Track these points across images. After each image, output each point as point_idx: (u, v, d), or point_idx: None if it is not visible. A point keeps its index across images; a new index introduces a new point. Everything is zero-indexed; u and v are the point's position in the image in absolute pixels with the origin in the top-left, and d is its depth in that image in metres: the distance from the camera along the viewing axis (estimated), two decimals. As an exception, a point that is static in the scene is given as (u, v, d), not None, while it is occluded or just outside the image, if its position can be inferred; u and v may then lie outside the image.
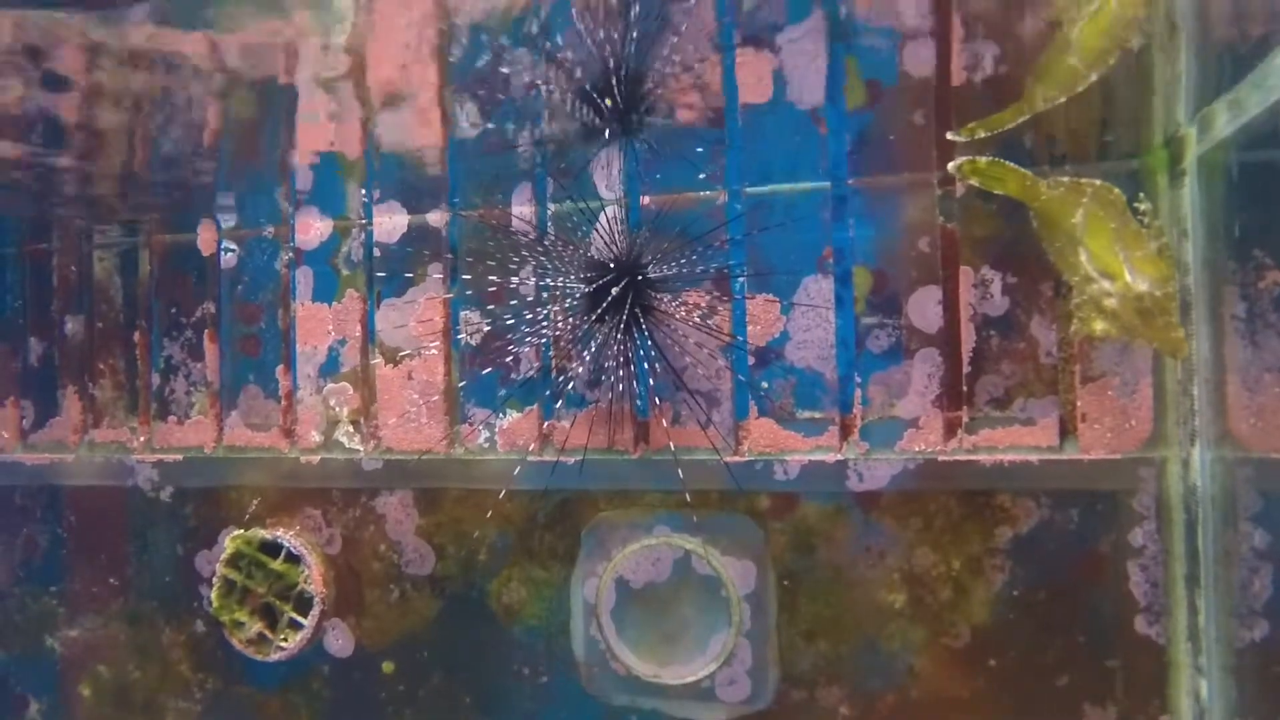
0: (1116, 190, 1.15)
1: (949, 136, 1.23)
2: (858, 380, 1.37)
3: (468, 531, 1.55)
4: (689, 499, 1.43)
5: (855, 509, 1.37)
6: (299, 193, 1.65)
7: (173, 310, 1.73)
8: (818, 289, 1.39)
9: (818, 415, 1.39)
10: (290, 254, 1.65)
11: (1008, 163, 1.21)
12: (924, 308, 1.35)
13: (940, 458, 1.33)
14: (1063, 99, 1.19)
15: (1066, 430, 1.30)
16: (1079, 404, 1.29)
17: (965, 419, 1.33)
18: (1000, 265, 1.32)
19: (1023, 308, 1.32)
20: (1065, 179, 1.18)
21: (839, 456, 1.37)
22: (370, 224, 1.60)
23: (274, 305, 1.66)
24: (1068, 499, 1.30)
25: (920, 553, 1.35)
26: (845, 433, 1.38)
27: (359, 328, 1.61)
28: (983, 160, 1.21)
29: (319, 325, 1.63)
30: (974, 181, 1.22)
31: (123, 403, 1.76)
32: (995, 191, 1.23)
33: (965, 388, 1.33)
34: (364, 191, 1.61)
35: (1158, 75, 1.27)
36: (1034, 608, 1.31)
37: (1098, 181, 1.16)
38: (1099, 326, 1.17)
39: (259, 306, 1.67)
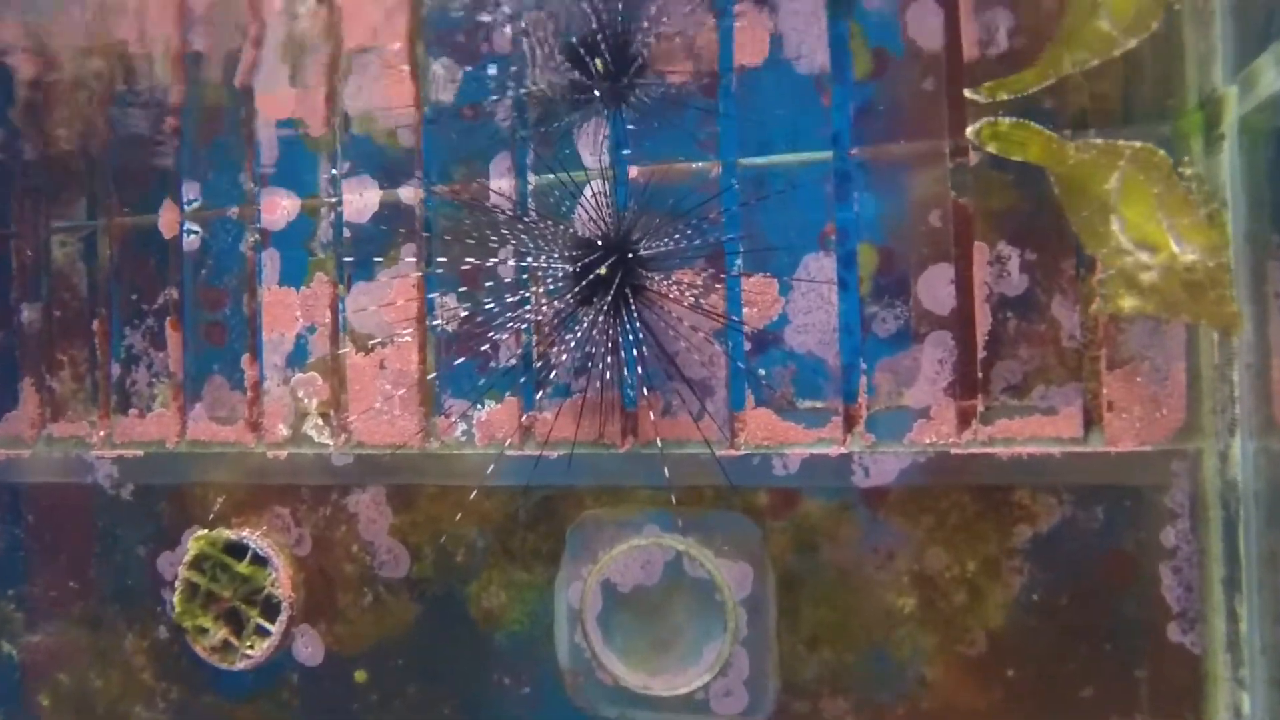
0: (1161, 152, 1.04)
1: (967, 94, 1.12)
2: (863, 367, 1.26)
3: (445, 531, 1.44)
4: (679, 497, 1.32)
5: (861, 506, 1.27)
6: (264, 169, 1.54)
7: (134, 297, 1.63)
8: (819, 268, 1.28)
9: (820, 405, 1.28)
10: (256, 235, 1.55)
11: (1033, 124, 1.10)
12: (935, 287, 1.24)
13: (953, 450, 1.22)
14: (1095, 63, 1.08)
15: (1091, 420, 1.19)
16: (1105, 391, 1.18)
17: (980, 408, 1.22)
18: (1018, 240, 1.21)
19: (1043, 287, 1.21)
20: (1098, 141, 1.07)
21: (843, 450, 1.26)
22: (340, 202, 1.50)
23: (239, 290, 1.56)
24: (1093, 495, 1.19)
25: (932, 553, 1.24)
26: (849, 424, 1.28)
27: (329, 314, 1.50)
28: (1005, 122, 1.10)
29: (286, 311, 1.52)
30: (992, 148, 1.11)
31: (82, 395, 1.66)
32: (1015, 158, 1.12)
33: (980, 374, 1.22)
34: (333, 168, 1.50)
35: (1190, 31, 1.16)
36: (1056, 613, 1.20)
37: (1137, 143, 1.05)
38: (1128, 303, 1.06)
39: (223, 292, 1.57)
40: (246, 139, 1.55)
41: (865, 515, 1.26)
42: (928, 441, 1.24)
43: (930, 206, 1.24)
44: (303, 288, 1.51)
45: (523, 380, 1.39)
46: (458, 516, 1.40)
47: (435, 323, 1.43)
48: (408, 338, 1.45)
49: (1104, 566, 1.19)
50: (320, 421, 1.50)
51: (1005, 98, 1.11)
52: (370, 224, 1.48)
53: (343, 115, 1.50)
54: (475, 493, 1.39)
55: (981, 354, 1.22)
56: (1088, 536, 1.19)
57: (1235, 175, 1.09)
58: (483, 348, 1.38)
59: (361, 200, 1.49)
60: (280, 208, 1.53)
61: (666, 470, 1.29)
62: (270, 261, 1.53)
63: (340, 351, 1.48)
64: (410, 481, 1.46)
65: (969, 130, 1.11)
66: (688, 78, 1.31)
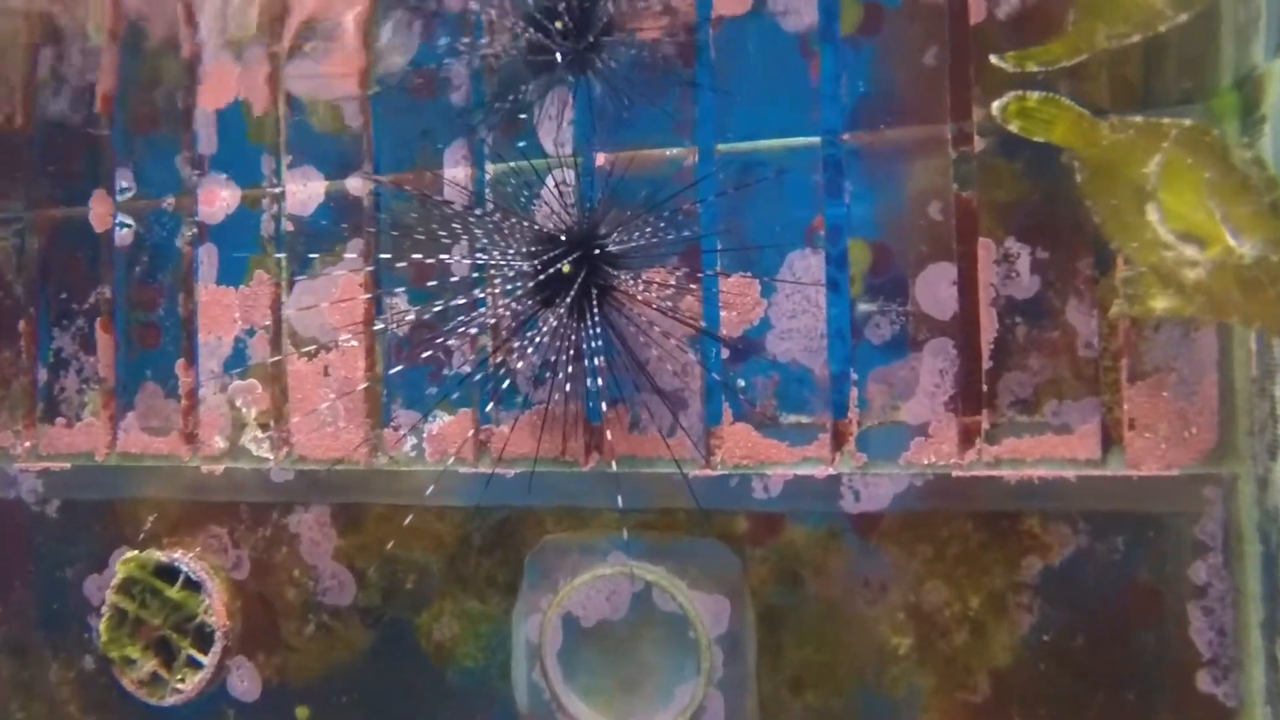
0: (1215, 132, 0.90)
1: (994, 60, 0.99)
2: (854, 378, 1.13)
3: (394, 555, 1.31)
4: (650, 521, 1.19)
5: (851, 533, 1.13)
6: (201, 157, 1.41)
7: (63, 296, 1.49)
8: (806, 266, 1.15)
9: (805, 420, 1.15)
10: (194, 229, 1.41)
11: (1063, 99, 0.96)
12: (935, 289, 1.10)
13: (955, 473, 1.09)
14: (1135, 38, 0.95)
15: (1110, 440, 1.06)
16: (1126, 407, 1.04)
17: (985, 425, 1.09)
18: (1028, 237, 1.08)
19: (1056, 289, 1.07)
20: (1137, 119, 0.94)
21: (831, 470, 1.13)
22: (282, 192, 1.36)
23: (175, 289, 1.43)
24: (1112, 524, 1.05)
25: (930, 587, 1.11)
26: (839, 441, 1.14)
27: (269, 315, 1.37)
28: (1033, 97, 0.96)
29: (224, 312, 1.39)
30: (1014, 126, 0.98)
31: (7, 402, 1.53)
32: (1037, 138, 0.98)
33: (985, 387, 1.09)
34: (277, 155, 1.37)
35: (1225, 4, 1.03)
36: (1069, 656, 1.07)
37: (1186, 121, 0.91)
38: (1160, 304, 0.93)
39: (158, 290, 1.44)
40: (184, 122, 1.42)
41: (856, 544, 1.13)
42: (926, 462, 1.10)
43: (930, 198, 1.11)
44: (242, 286, 1.38)
45: (478, 390, 1.26)
46: (389, 545, 1.27)
47: (377, 327, 1.30)
48: (353, 342, 1.32)
49: (1124, 605, 1.05)
50: (259, 433, 1.37)
51: (1034, 69, 0.98)
52: (315, 217, 1.35)
53: (287, 96, 1.37)
54: (411, 517, 1.26)
55: (987, 364, 1.09)
56: (1106, 571, 1.06)
57: (1278, 162, 0.96)
58: (423, 355, 1.24)
59: (306, 191, 1.35)
60: (219, 199, 1.40)
61: (628, 493, 1.16)
62: (208, 258, 1.40)
63: (273, 360, 1.35)
64: (356, 500, 1.32)
65: (994, 106, 0.98)
66: (659, 34, 1.17)
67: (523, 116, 1.24)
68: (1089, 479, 1.05)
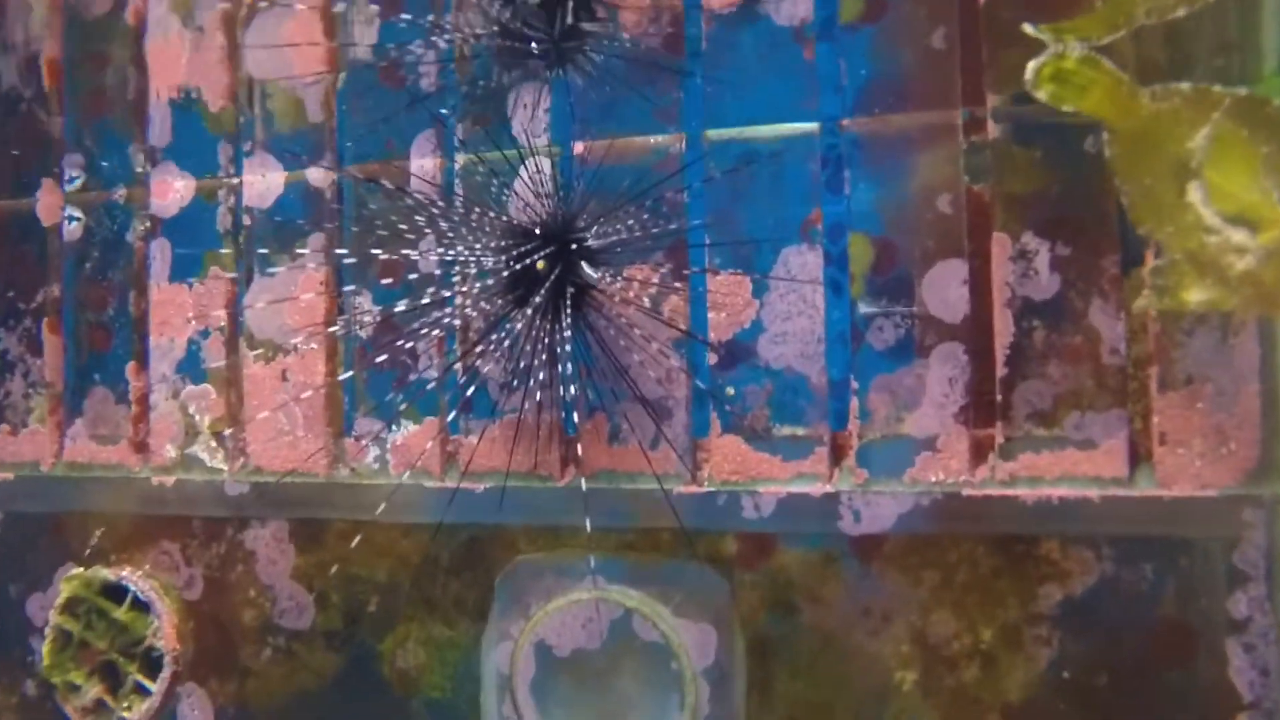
0: (1276, 102, 0.80)
1: (1027, 30, 0.88)
2: (854, 386, 1.03)
3: (356, 575, 1.21)
4: (631, 542, 1.09)
5: (850, 558, 1.03)
6: (154, 147, 1.31)
7: (9, 294, 1.40)
8: (802, 263, 1.05)
9: (801, 432, 1.04)
10: (146, 223, 1.32)
11: (1105, 61, 0.86)
12: (944, 289, 1.00)
13: (965, 491, 0.99)
14: (1180, 12, 0.85)
15: (1139, 456, 0.96)
16: (1156, 420, 0.94)
17: (999, 439, 0.99)
18: (1048, 231, 0.98)
19: (1078, 288, 0.97)
20: (1184, 86, 0.83)
21: (829, 488, 1.03)
22: (239, 184, 1.27)
23: (126, 287, 1.33)
24: (1140, 550, 0.95)
25: (937, 618, 1.00)
26: (837, 456, 1.04)
27: (224, 315, 1.27)
28: (1072, 58, 0.85)
29: (178, 312, 1.29)
30: (1044, 92, 0.88)
31: (-49, 407, 1.43)
32: (1067, 107, 0.88)
33: (999, 397, 0.99)
34: (235, 142, 1.27)
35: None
36: (1091, 696, 0.96)
37: (1241, 90, 0.81)
38: (1195, 295, 0.83)
39: (109, 288, 1.34)
40: (136, 106, 1.32)
41: (855, 569, 1.03)
42: (933, 479, 1.00)
43: (939, 190, 1.01)
44: (196, 284, 1.28)
45: (446, 398, 1.16)
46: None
47: (333, 328, 1.20)
48: (313, 345, 1.22)
49: (1154, 640, 0.95)
50: (213, 442, 1.27)
51: (1073, 42, 0.88)
52: (274, 210, 1.25)
53: (246, 80, 1.27)
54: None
55: (1001, 371, 0.98)
56: (1133, 602, 0.95)
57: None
58: (378, 359, 1.14)
59: (265, 182, 1.26)
60: (173, 190, 1.30)
61: (607, 511, 1.06)
62: (160, 253, 1.30)
63: (222, 363, 1.25)
64: (315, 515, 1.22)
65: (1029, 67, 0.87)
66: (644, 19, 1.07)
67: (496, 106, 1.14)
68: (1114, 499, 0.95)
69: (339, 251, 1.18)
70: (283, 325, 1.23)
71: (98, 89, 1.34)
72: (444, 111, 1.16)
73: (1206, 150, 0.79)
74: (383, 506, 1.08)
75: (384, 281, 1.13)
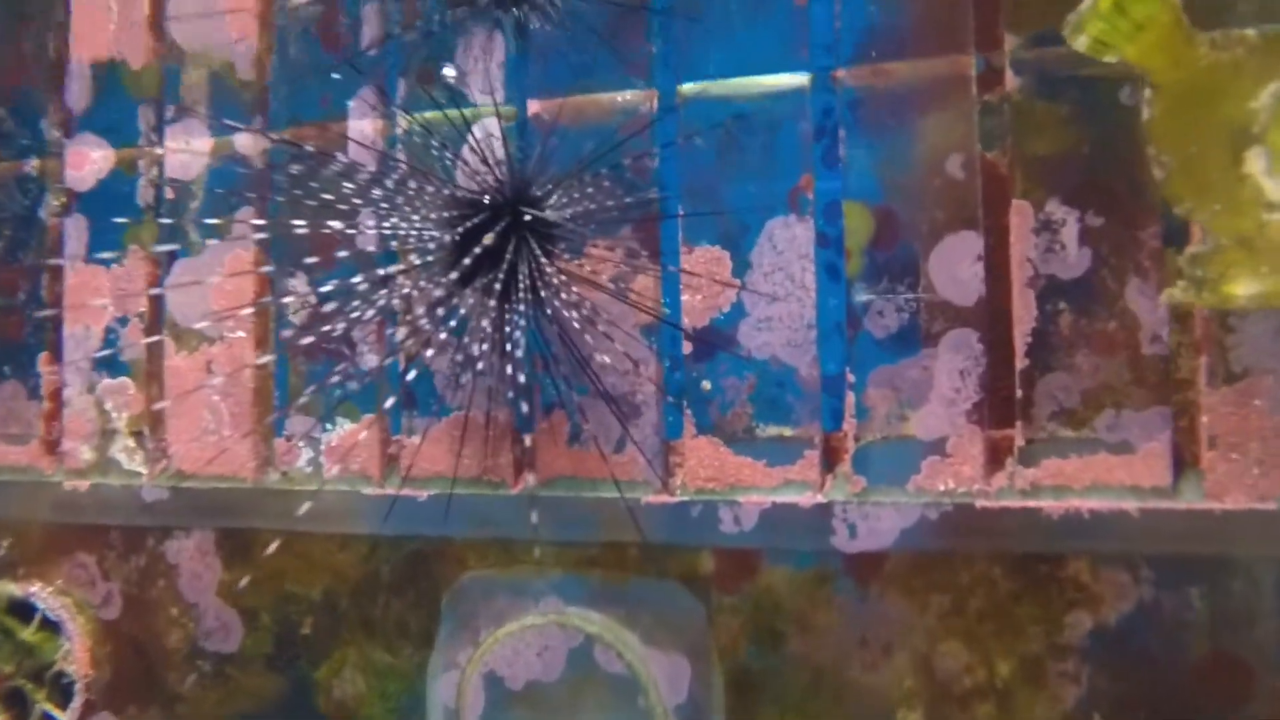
0: None
1: None
2: (850, 379, 0.89)
3: (290, 593, 1.07)
4: (594, 557, 0.95)
5: (845, 578, 0.89)
6: (72, 113, 1.17)
7: (-83, 277, 1.26)
8: (790, 238, 0.91)
9: (788, 433, 0.90)
10: (62, 197, 1.18)
11: None
12: (955, 266, 0.86)
13: (979, 502, 0.85)
14: None
15: (1184, 462, 0.81)
16: (1206, 420, 0.80)
17: (1019, 442, 0.84)
18: (1077, 199, 0.84)
19: (1112, 265, 0.83)
20: (1249, 33, 0.69)
21: (820, 497, 0.89)
22: (162, 153, 1.13)
23: (39, 268, 1.19)
24: (1185, 572, 0.81)
25: (946, 649, 0.86)
26: (831, 461, 0.90)
27: (145, 300, 1.13)
28: None
29: (95, 296, 1.15)
30: (1088, 37, 0.73)
31: None
32: (1108, 57, 0.73)
33: (1020, 392, 0.84)
34: (154, 108, 1.14)
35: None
36: (1127, 742, 0.82)
37: None
38: (1244, 289, 0.69)
39: (19, 270, 1.20)
40: (51, 71, 1.19)
41: (851, 592, 0.89)
42: (942, 488, 0.86)
43: (949, 151, 0.87)
44: (114, 265, 1.14)
45: (387, 392, 1.02)
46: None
47: (246, 311, 1.06)
48: (240, 333, 1.08)
49: (1201, 675, 0.81)
50: (131, 443, 1.13)
51: None
52: (199, 181, 1.11)
53: (169, 40, 1.13)
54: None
55: (1022, 363, 0.84)
56: (1176, 632, 0.81)
57: None
58: (302, 342, 1.00)
59: (189, 151, 1.12)
60: (90, 161, 1.16)
61: (567, 522, 0.92)
62: (76, 231, 1.16)
63: (134, 358, 1.11)
64: (244, 525, 1.09)
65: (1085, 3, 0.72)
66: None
67: (442, 55, 1.00)
68: (1155, 513, 0.80)
69: (254, 223, 1.04)
70: (208, 310, 1.10)
71: (13, 52, 1.21)
72: (387, 66, 1.01)
73: (1274, 110, 0.65)
74: (303, 508, 0.93)
75: (307, 261, 0.99)
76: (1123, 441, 0.82)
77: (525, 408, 0.90)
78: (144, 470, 1.12)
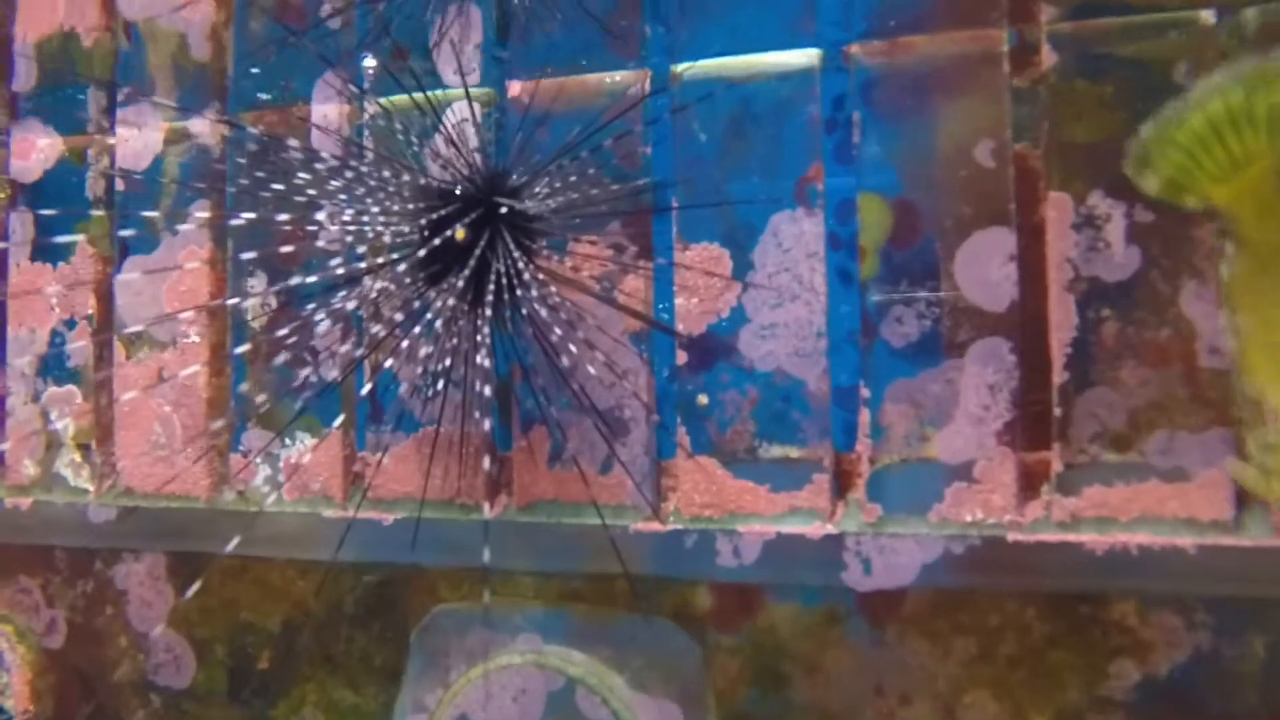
0: None
1: None
2: (865, 394, 0.79)
3: (245, 623, 0.98)
4: (579, 591, 0.85)
5: (857, 618, 0.79)
6: (20, 98, 1.08)
7: None
8: (797, 234, 0.81)
9: (795, 454, 0.80)
10: (5, 189, 1.09)
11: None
12: (984, 267, 0.76)
13: (1011, 535, 0.75)
14: None
15: (1247, 492, 0.71)
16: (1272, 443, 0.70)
17: (1057, 466, 0.74)
18: (1123, 190, 0.74)
19: (1163, 266, 0.73)
20: None
21: (830, 528, 0.79)
22: (113, 141, 1.04)
23: (-18, 267, 1.10)
24: (1246, 617, 0.71)
25: (972, 700, 0.76)
26: (843, 486, 0.80)
27: (94, 301, 1.04)
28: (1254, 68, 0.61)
29: (40, 297, 1.06)
30: (1168, 170, 0.64)
31: None
32: (1189, 201, 0.63)
33: (1058, 410, 0.74)
34: (105, 92, 1.05)
35: None
36: (1179, 810, 0.72)
37: None
38: None
39: (-39, 269, 1.11)
40: (-3, 52, 1.10)
41: (865, 633, 0.79)
42: (969, 519, 0.76)
43: (978, 136, 0.77)
44: (62, 264, 1.05)
45: (352, 404, 0.93)
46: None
47: (182, 312, 0.97)
48: (194, 338, 0.99)
49: (1265, 737, 0.71)
50: (78, 457, 1.04)
51: None
52: (152, 171, 1.02)
53: (120, 16, 1.04)
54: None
55: (1060, 376, 0.74)
56: (1236, 685, 0.71)
57: None
58: (241, 350, 0.91)
59: (141, 138, 1.02)
60: (36, 149, 1.07)
61: (548, 550, 0.82)
62: (21, 226, 1.07)
63: (81, 364, 1.02)
64: (198, 548, 0.99)
65: (1159, 123, 0.62)
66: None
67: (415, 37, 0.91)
68: (1214, 549, 0.70)
69: (199, 216, 0.95)
70: (161, 312, 1.00)
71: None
72: (355, 45, 0.92)
73: None
74: (234, 542, 0.83)
75: (247, 256, 0.90)
76: (1176, 468, 0.72)
77: (488, 425, 0.80)
78: (90, 487, 1.03)
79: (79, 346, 1.03)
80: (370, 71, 0.90)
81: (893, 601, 0.77)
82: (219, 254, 0.99)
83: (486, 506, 0.84)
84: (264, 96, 0.98)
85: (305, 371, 0.91)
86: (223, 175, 0.99)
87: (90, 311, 1.04)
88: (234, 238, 0.97)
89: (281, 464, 0.95)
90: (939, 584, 0.76)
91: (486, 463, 0.82)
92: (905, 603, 0.77)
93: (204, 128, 1.00)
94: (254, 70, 0.98)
